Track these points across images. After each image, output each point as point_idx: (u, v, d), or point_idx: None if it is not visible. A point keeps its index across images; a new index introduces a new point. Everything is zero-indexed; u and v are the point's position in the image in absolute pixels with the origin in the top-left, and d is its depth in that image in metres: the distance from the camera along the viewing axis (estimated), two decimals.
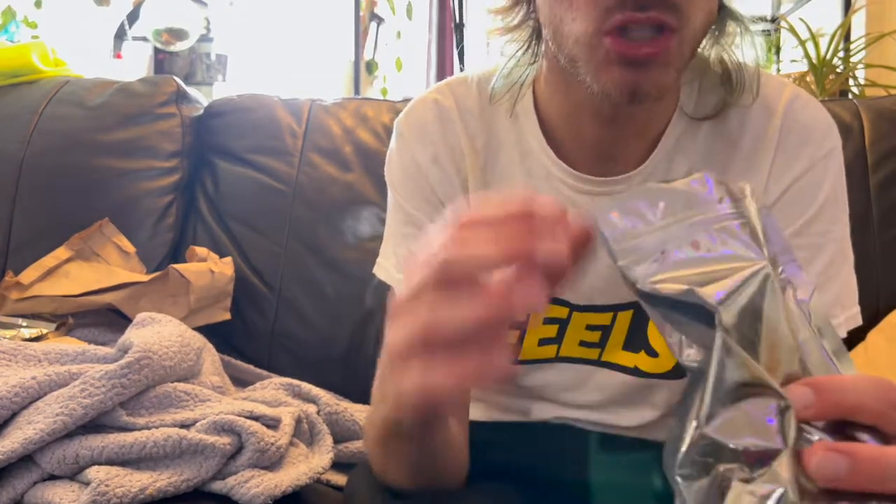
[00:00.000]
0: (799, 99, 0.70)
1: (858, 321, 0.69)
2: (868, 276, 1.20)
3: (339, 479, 0.91)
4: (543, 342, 0.76)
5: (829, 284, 0.68)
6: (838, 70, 2.16)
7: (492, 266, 0.35)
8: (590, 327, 0.74)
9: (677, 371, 0.74)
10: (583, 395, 0.77)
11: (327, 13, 3.80)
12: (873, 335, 1.14)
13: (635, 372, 0.75)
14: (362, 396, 1.19)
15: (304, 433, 0.91)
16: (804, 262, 0.65)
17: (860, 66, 2.26)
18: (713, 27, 0.66)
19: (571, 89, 0.66)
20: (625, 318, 0.73)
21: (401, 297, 0.37)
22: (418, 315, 0.36)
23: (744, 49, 0.68)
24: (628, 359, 0.75)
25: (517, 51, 0.71)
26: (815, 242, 0.68)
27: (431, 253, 0.36)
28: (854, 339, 1.16)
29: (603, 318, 0.73)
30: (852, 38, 2.41)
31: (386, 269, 0.76)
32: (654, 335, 0.73)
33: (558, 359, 0.76)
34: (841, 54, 2.21)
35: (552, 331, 0.75)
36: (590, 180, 0.69)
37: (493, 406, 0.82)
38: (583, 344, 0.75)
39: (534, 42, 0.71)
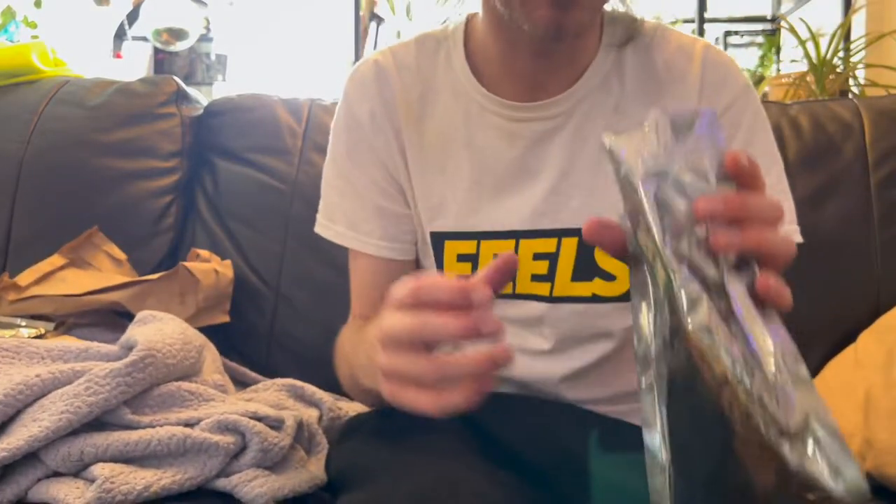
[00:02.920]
0: (712, 47, 0.82)
1: (798, 238, 0.79)
2: (868, 275, 1.20)
3: None
4: None
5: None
6: (838, 70, 2.17)
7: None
8: (537, 256, 0.80)
9: None
10: (535, 340, 0.81)
11: (327, 13, 3.80)
12: (864, 336, 1.14)
13: (594, 299, 0.80)
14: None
15: (305, 439, 0.91)
16: None
17: (860, 65, 2.26)
18: None
19: (509, 32, 0.77)
20: (570, 245, 0.79)
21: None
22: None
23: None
24: (583, 288, 0.80)
25: None
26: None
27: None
28: (846, 339, 1.16)
29: (548, 245, 0.80)
30: (852, 38, 2.42)
31: (323, 224, 0.89)
32: (603, 259, 0.79)
33: (514, 295, 0.81)
34: (841, 54, 2.22)
35: None
36: (521, 107, 0.79)
37: None
38: (534, 278, 0.80)
39: None
